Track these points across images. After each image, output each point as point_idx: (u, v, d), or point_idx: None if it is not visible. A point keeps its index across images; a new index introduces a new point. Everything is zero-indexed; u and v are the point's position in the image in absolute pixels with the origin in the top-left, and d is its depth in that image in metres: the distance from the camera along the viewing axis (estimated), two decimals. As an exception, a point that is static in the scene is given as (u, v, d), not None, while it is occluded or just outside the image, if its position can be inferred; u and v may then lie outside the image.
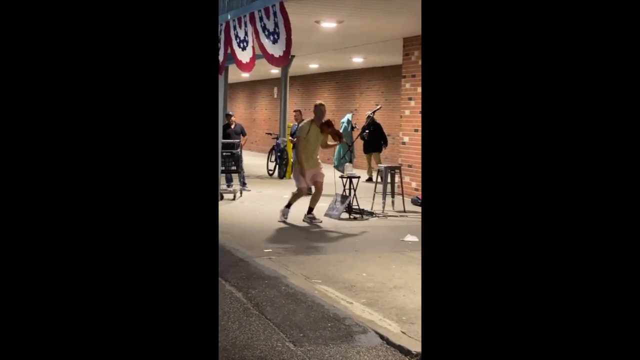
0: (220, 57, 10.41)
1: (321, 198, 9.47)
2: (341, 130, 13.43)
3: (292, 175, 10.07)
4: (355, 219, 9.72)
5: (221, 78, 11.76)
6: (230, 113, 13.54)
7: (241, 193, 12.07)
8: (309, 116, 14.84)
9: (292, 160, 13.99)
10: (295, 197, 9.48)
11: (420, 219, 9.75)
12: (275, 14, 8.26)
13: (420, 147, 11.80)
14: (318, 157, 9.66)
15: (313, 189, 9.53)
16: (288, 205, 9.42)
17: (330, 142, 9.82)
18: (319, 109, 9.56)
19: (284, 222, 9.31)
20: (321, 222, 9.31)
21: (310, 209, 9.37)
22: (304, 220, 9.36)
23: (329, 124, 9.63)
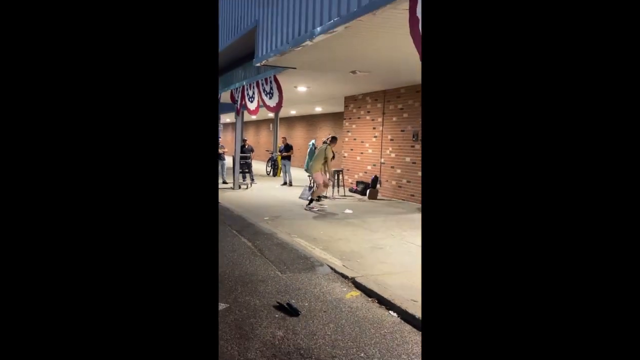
0: (238, 106, 10.35)
1: (296, 187, 9.28)
2: (308, 150, 13.37)
3: (313, 176, 8.69)
4: (317, 200, 9.61)
5: (239, 118, 11.71)
6: (245, 138, 13.46)
7: (251, 185, 11.89)
8: (289, 140, 14.73)
9: (280, 167, 13.85)
10: (319, 191, 8.61)
11: (353, 200, 9.87)
12: (271, 82, 8.24)
13: (353, 159, 11.87)
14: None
15: (316, 183, 8.68)
16: (318, 199, 8.40)
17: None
18: (335, 140, 8.95)
19: (319, 210, 8.23)
20: (326, 207, 8.22)
21: (311, 200, 8.48)
22: (305, 209, 8.30)
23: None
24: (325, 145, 8.71)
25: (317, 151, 8.75)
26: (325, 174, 8.64)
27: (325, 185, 8.56)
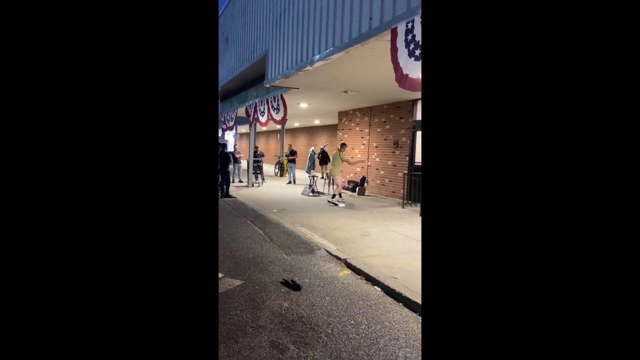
0: (251, 119, 10.30)
1: (298, 185, 9.21)
2: (308, 155, 13.31)
3: (334, 178, 8.17)
4: (315, 196, 9.54)
5: (252, 129, 11.66)
6: (257, 145, 13.39)
7: (262, 183, 11.82)
8: (293, 147, 14.66)
9: (286, 169, 13.79)
10: (338, 189, 8.06)
11: (345, 197, 9.80)
12: (278, 99, 8.22)
13: (345, 163, 11.81)
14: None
15: (334, 183, 8.30)
16: (337, 195, 7.99)
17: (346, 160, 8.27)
18: (345, 146, 8.49)
19: (335, 203, 7.85)
20: (343, 204, 7.77)
21: (334, 196, 8.22)
22: (328, 202, 7.82)
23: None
24: (336, 151, 8.49)
25: (332, 158, 8.43)
26: (326, 173, 8.52)
27: (340, 186, 8.20)
